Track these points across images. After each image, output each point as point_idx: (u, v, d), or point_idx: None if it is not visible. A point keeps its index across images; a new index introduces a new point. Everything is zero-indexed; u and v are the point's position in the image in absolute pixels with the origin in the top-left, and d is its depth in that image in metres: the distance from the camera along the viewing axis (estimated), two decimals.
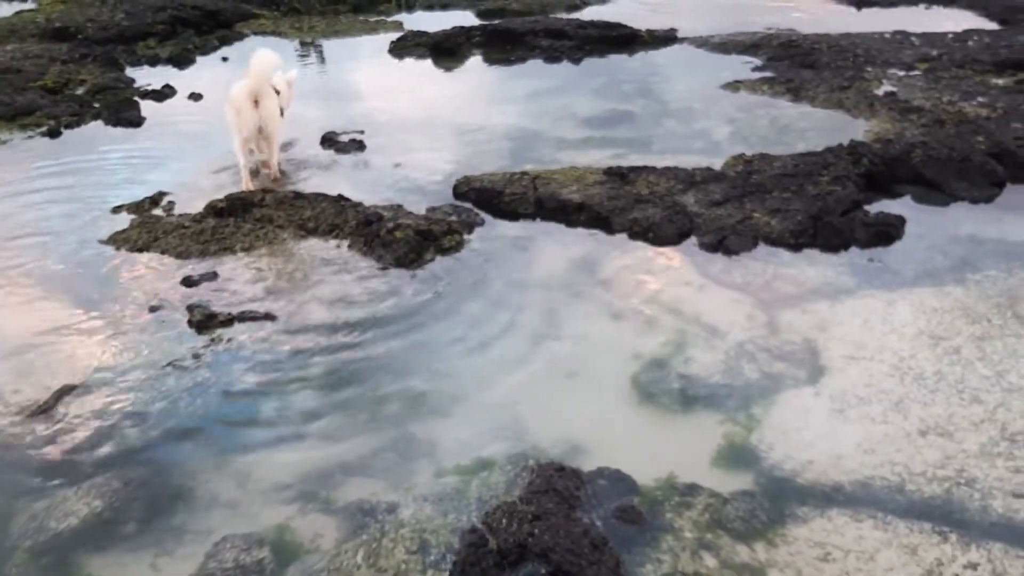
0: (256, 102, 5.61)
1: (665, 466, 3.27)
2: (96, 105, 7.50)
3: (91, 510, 3.16)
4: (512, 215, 5.34)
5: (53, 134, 6.91)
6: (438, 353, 4.03)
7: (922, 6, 10.72)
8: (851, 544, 2.91)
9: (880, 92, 7.12)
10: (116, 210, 5.50)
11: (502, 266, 4.78)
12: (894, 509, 3.05)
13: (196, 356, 4.01)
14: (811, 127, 6.54)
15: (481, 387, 3.78)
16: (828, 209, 5.03)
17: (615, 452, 3.35)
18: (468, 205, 5.44)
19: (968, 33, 8.84)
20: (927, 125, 6.26)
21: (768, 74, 7.87)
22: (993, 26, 9.47)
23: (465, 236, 5.06)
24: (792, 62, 8.19)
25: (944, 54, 8.06)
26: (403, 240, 4.83)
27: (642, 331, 4.16)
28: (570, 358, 3.98)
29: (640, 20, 9.72)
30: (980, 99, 6.79)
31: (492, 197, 5.44)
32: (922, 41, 8.58)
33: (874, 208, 5.18)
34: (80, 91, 7.88)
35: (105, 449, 3.47)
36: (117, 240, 5.09)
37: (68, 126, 7.05)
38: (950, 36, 8.72)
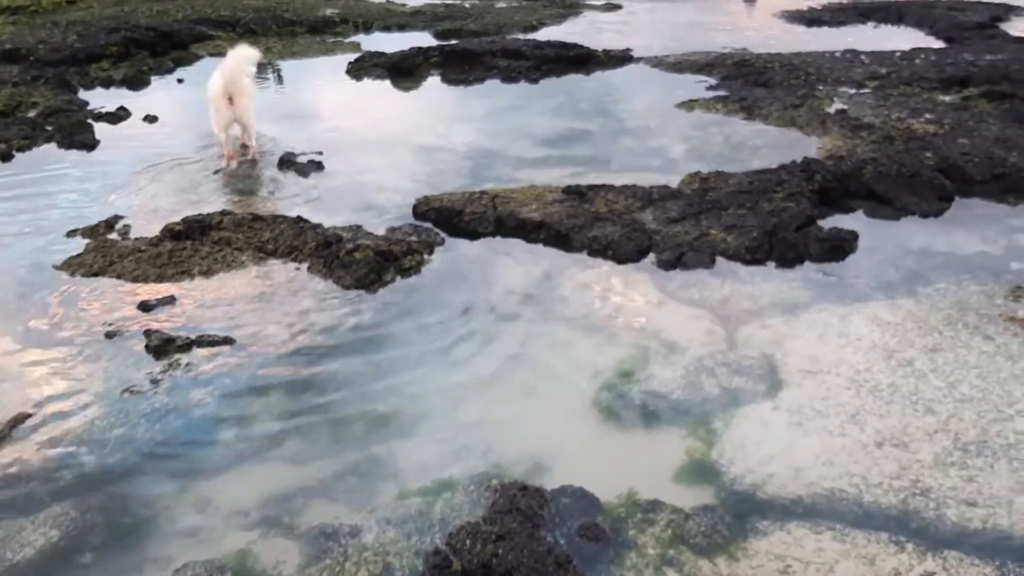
0: (231, 99, 6.25)
1: (627, 482, 3.29)
2: (49, 128, 7.41)
3: (48, 540, 3.10)
4: (472, 234, 5.36)
5: (4, 157, 6.80)
6: (399, 374, 4.02)
7: (870, 25, 10.97)
8: (811, 556, 2.95)
9: (831, 110, 7.27)
10: (71, 234, 5.42)
11: (463, 285, 4.79)
12: (852, 520, 3.10)
13: (154, 381, 3.97)
14: (765, 144, 6.65)
15: (443, 407, 3.78)
16: (783, 225, 5.11)
17: (578, 469, 3.37)
18: (428, 225, 5.45)
19: (915, 51, 9.07)
20: (877, 141, 6.40)
21: (722, 93, 8.00)
22: (939, 44, 9.73)
23: (425, 256, 5.06)
24: (745, 81, 8.33)
25: (892, 72, 8.25)
26: (363, 261, 4.82)
27: (603, 348, 4.19)
28: (532, 376, 3.99)
29: (596, 40, 9.84)
30: (928, 116, 6.96)
31: (452, 216, 5.46)
32: (871, 59, 8.78)
33: (827, 223, 5.28)
34: (32, 114, 7.78)
35: (62, 477, 3.41)
36: (72, 265, 5.01)
37: (20, 149, 6.95)
38: (898, 54, 8.94)
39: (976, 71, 8.06)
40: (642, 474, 3.35)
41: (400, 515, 3.17)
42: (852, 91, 7.82)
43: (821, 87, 7.92)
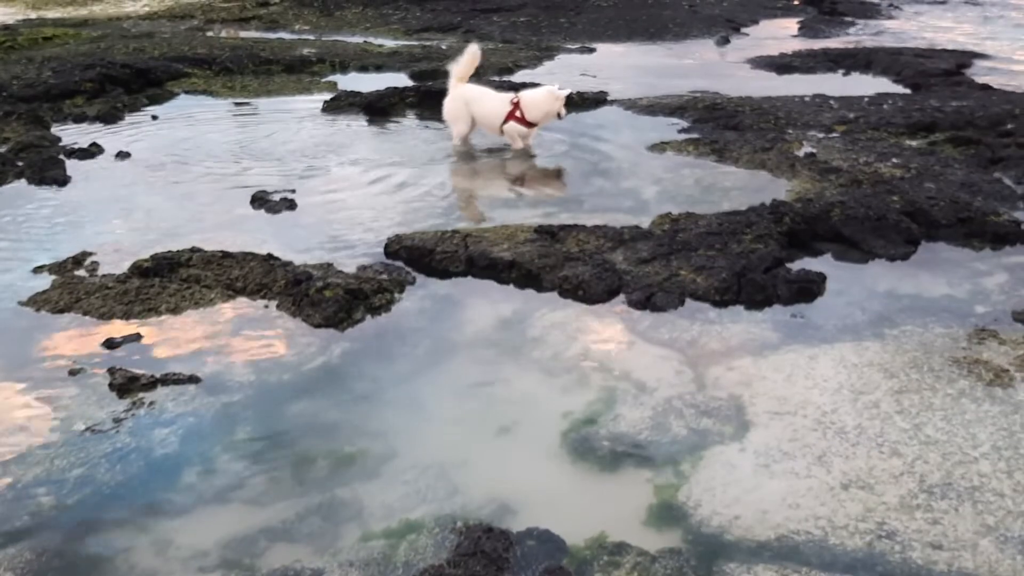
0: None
1: (594, 525, 3.27)
2: (19, 163, 7.34)
3: None
4: (443, 273, 5.35)
5: None
6: (366, 413, 3.99)
7: (839, 72, 11.16)
8: None
9: (801, 153, 7.37)
10: (37, 270, 5.36)
11: (432, 324, 4.78)
12: (818, 563, 3.09)
13: (116, 420, 3.91)
14: (735, 187, 6.72)
15: (409, 447, 3.75)
16: (751, 266, 5.15)
17: (544, 511, 3.34)
18: (399, 263, 5.44)
19: (883, 97, 9.23)
20: (845, 185, 6.48)
21: (694, 135, 8.08)
22: (906, 91, 9.90)
23: (396, 294, 5.05)
24: (716, 124, 8.42)
25: (861, 117, 8.39)
26: (332, 299, 4.80)
27: (571, 388, 4.18)
28: (499, 417, 3.97)
29: (571, 83, 9.93)
30: (895, 160, 7.07)
31: (423, 255, 5.46)
32: (840, 104, 8.92)
33: (796, 265, 5.33)
34: (3, 149, 7.72)
35: (18, 518, 3.34)
36: (37, 301, 4.95)
37: None
38: (866, 100, 9.09)
39: (942, 117, 8.21)
40: (609, 516, 3.33)
41: (363, 557, 3.13)
42: (821, 135, 7.94)
43: (791, 131, 8.03)
